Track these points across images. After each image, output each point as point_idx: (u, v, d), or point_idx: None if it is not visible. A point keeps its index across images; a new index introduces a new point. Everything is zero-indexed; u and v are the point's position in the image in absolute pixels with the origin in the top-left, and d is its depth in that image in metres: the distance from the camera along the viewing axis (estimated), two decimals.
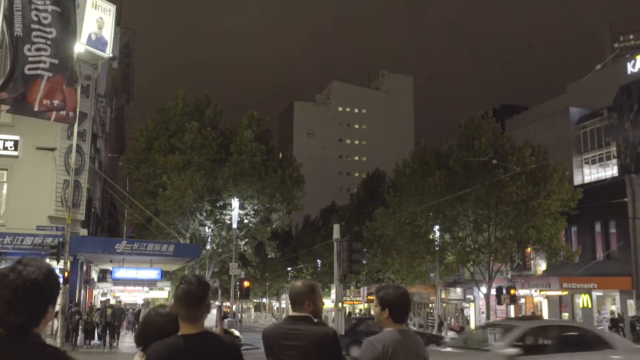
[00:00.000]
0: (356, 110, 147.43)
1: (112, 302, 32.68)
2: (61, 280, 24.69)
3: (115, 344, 28.20)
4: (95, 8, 28.71)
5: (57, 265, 25.34)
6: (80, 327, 27.02)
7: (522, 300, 47.36)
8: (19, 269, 2.21)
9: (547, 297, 45.87)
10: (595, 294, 42.88)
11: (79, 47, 13.99)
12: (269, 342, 3.82)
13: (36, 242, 26.07)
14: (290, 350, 3.73)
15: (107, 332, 27.64)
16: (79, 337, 27.13)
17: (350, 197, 70.67)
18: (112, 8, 30.17)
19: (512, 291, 36.50)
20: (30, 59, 11.93)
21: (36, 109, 12.00)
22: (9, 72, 11.84)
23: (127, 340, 31.59)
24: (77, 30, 13.49)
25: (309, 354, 3.69)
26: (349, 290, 62.79)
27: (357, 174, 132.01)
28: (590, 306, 42.93)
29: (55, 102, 12.30)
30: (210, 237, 41.35)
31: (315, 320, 3.88)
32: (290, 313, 3.97)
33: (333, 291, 23.83)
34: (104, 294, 47.96)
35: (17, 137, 27.46)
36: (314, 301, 3.91)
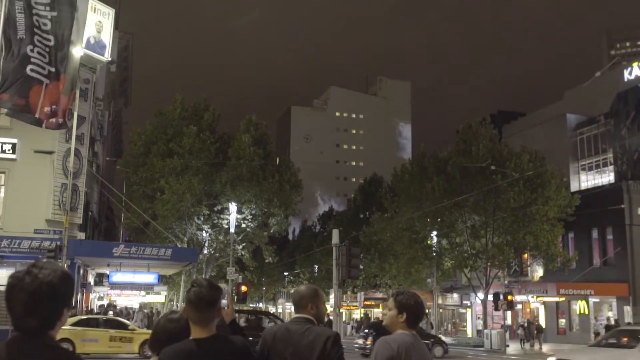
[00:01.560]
0: (354, 116, 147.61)
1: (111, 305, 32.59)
2: None
3: None
4: (94, 12, 28.72)
5: None
6: None
7: (519, 306, 47.40)
8: (35, 272, 2.24)
9: (544, 303, 45.93)
10: (592, 300, 42.96)
11: (78, 51, 13.98)
12: (273, 343, 3.82)
13: (33, 246, 25.98)
14: (294, 351, 3.74)
15: None
16: None
17: (347, 203, 70.69)
18: (111, 12, 30.21)
19: (509, 297, 36.54)
20: (32, 60, 11.93)
21: (37, 115, 11.99)
22: (9, 72, 11.81)
23: None
24: (77, 34, 13.48)
25: (312, 355, 3.71)
26: (345, 296, 62.77)
27: (354, 179, 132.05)
28: (587, 312, 43.00)
29: (54, 109, 12.30)
30: (207, 241, 41.32)
31: (318, 323, 3.92)
32: (294, 315, 4.00)
33: (331, 296, 23.79)
34: (100, 298, 47.86)
35: (15, 140, 27.40)
36: (316, 304, 3.95)
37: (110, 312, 35.23)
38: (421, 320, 4.06)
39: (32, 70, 11.79)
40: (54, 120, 12.65)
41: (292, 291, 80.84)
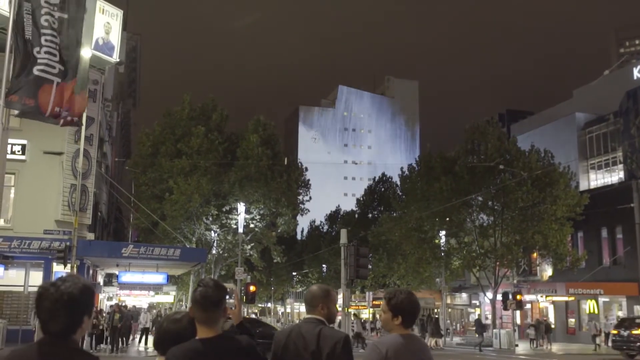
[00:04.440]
0: (361, 115, 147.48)
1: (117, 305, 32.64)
2: None
3: (123, 347, 28.24)
4: (103, 13, 28.84)
5: (64, 270, 25.40)
6: (86, 331, 26.99)
7: (528, 306, 47.24)
8: (58, 283, 2.57)
9: (553, 302, 45.76)
10: (601, 299, 42.76)
11: (87, 52, 14.04)
12: (286, 343, 3.83)
13: (43, 246, 26.09)
14: (305, 352, 3.74)
15: (114, 336, 27.69)
16: (85, 342, 27.11)
17: (357, 202, 70.60)
18: (119, 13, 30.33)
19: (518, 296, 36.42)
20: (40, 61, 11.96)
21: (47, 115, 12.01)
22: (17, 74, 11.85)
23: (140, 345, 31.71)
24: (86, 36, 13.52)
25: (323, 356, 3.71)
26: (354, 295, 62.75)
27: (361, 179, 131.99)
28: (596, 312, 42.80)
29: (65, 109, 12.33)
30: (216, 241, 41.37)
31: (329, 324, 3.92)
32: (305, 316, 4.01)
33: (340, 296, 23.82)
34: (109, 298, 47.99)
35: (24, 141, 27.54)
36: (327, 305, 3.95)
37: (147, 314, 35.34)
38: (416, 318, 4.02)
39: (39, 70, 11.82)
40: (69, 119, 12.70)
41: (300, 290, 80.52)
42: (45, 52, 11.91)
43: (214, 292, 3.24)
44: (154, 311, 46.46)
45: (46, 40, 11.94)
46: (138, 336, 33.93)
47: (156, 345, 3.42)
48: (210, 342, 3.15)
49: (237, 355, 3.19)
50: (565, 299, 43.29)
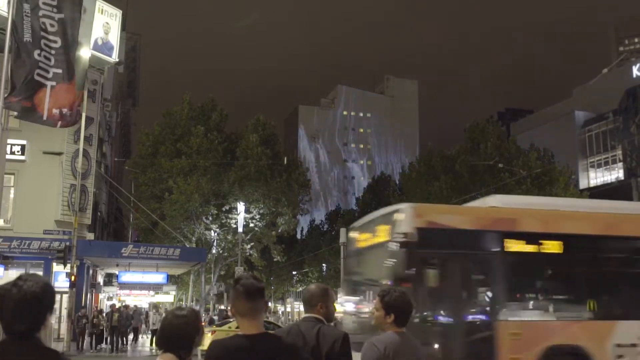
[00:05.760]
0: (361, 114, 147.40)
1: (118, 305, 32.67)
2: (68, 284, 24.78)
3: (123, 347, 28.26)
4: (102, 13, 28.91)
5: (64, 269, 25.44)
6: (86, 331, 27.03)
7: None
8: (20, 284, 2.57)
9: None
10: None
11: (86, 52, 14.05)
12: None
13: (43, 246, 26.12)
14: (305, 351, 3.75)
15: (114, 336, 27.71)
16: (85, 341, 27.13)
17: (356, 201, 70.62)
18: (118, 13, 30.40)
19: None
20: (40, 64, 11.99)
21: (45, 118, 12.04)
22: (15, 76, 11.87)
23: (144, 344, 31.73)
24: (84, 36, 13.52)
25: (322, 355, 3.72)
26: None
27: (361, 178, 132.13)
28: (597, 309, 42.81)
29: (64, 111, 12.35)
30: (216, 241, 41.39)
31: (327, 323, 3.92)
32: (304, 315, 4.01)
33: (340, 295, 23.82)
34: (109, 298, 48.01)
35: (24, 142, 27.54)
36: (326, 304, 3.95)
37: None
38: (409, 317, 4.00)
39: (38, 74, 11.85)
40: (68, 117, 12.72)
41: (300, 290, 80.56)
42: (44, 57, 11.94)
43: (255, 281, 3.17)
44: (161, 311, 46.54)
45: (45, 44, 11.95)
46: (145, 337, 33.97)
47: (160, 340, 3.33)
48: (254, 338, 3.02)
49: (281, 354, 3.05)
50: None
